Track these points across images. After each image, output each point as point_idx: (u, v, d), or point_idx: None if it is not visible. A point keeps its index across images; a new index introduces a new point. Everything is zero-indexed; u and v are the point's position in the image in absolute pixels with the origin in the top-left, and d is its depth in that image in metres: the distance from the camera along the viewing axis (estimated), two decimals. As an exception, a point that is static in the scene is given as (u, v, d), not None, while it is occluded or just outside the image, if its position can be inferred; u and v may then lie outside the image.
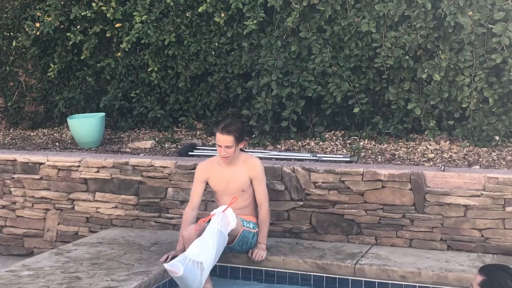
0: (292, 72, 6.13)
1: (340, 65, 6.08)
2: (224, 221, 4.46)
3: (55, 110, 7.42)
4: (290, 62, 6.16)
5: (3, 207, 6.18)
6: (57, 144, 6.87)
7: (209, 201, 5.49)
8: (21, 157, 6.08)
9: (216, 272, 4.99)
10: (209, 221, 4.50)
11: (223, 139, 4.67)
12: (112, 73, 7.14)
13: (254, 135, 6.23)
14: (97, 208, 5.86)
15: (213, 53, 6.70)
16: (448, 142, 5.82)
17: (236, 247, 4.75)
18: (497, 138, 5.63)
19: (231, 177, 4.80)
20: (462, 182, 4.87)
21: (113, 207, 5.82)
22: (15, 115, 7.75)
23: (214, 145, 6.32)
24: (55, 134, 7.33)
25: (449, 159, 5.44)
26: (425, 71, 5.74)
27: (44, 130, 7.52)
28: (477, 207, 4.84)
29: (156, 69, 6.86)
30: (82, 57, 7.17)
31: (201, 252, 4.25)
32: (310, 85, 6.05)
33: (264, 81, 6.09)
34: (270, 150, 5.99)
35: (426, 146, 5.79)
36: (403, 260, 4.72)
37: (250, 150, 5.94)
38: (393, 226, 5.08)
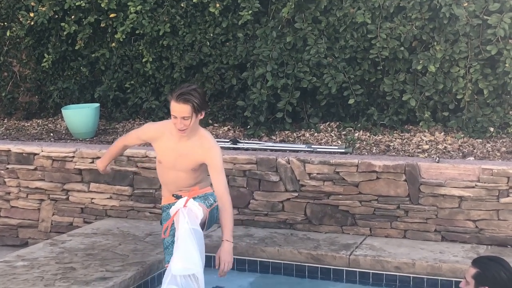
0: (287, 63, 6.12)
1: (335, 56, 6.08)
2: (192, 216, 3.89)
3: (50, 101, 7.39)
4: (285, 53, 6.15)
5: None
6: (51, 134, 6.85)
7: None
8: (16, 147, 6.06)
9: (211, 263, 4.99)
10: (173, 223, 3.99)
11: (179, 109, 3.98)
12: (106, 63, 7.11)
13: (249, 126, 6.23)
14: (92, 198, 5.86)
15: (208, 43, 6.67)
16: (442, 134, 5.83)
17: (204, 232, 4.19)
18: (491, 129, 5.64)
19: (182, 151, 4.16)
20: (457, 174, 4.88)
21: (107, 198, 5.81)
22: (9, 106, 7.72)
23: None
24: (50, 125, 7.30)
25: (444, 151, 5.45)
26: (420, 62, 5.74)
27: (39, 121, 7.49)
28: (472, 198, 4.86)
29: (150, 59, 6.84)
30: (76, 48, 7.14)
31: (187, 264, 3.75)
32: (305, 76, 6.05)
33: (259, 72, 6.08)
34: (265, 141, 5.99)
35: (420, 138, 5.79)
36: (397, 251, 4.74)
37: (245, 141, 5.95)
38: (387, 217, 5.09)
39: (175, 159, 4.18)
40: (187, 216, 3.84)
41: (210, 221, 4.21)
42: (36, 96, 7.68)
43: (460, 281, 3.49)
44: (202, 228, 4.04)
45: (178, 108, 3.97)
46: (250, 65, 6.37)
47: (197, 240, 3.83)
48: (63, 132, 6.91)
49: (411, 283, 4.51)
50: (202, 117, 4.10)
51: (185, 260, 3.73)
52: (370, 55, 5.95)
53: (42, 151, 5.95)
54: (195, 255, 3.76)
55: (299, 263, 4.80)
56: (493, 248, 4.76)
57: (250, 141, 5.97)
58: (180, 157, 4.15)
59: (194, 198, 4.02)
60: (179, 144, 4.16)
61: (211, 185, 4.24)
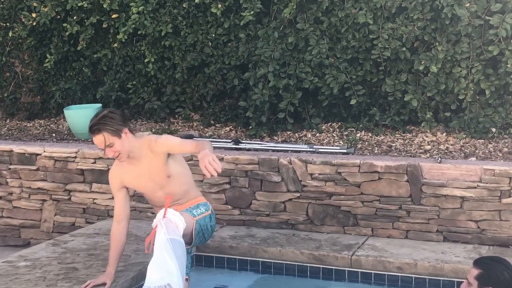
0: (289, 64, 6.12)
1: (337, 57, 6.08)
2: (170, 226, 3.71)
3: (52, 101, 7.40)
4: (287, 54, 6.15)
5: (0, 198, 6.17)
6: (53, 135, 6.86)
7: (207, 192, 5.50)
8: (18, 147, 6.07)
9: (213, 263, 5.01)
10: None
11: (97, 141, 3.90)
12: (108, 64, 7.12)
13: (251, 127, 6.23)
14: (94, 199, 5.87)
15: (210, 44, 6.68)
16: (444, 134, 5.83)
17: (198, 242, 4.14)
18: (493, 130, 5.64)
19: (145, 170, 4.05)
20: (459, 174, 4.88)
21: (109, 198, 5.81)
22: (11, 106, 7.73)
23: (210, 136, 6.33)
24: (52, 125, 7.31)
25: (446, 151, 5.45)
26: (422, 62, 5.74)
27: (41, 121, 7.50)
28: (474, 199, 4.86)
29: (152, 60, 6.84)
30: (78, 48, 7.15)
31: (161, 273, 3.59)
32: (307, 77, 6.05)
33: (261, 73, 6.09)
34: (267, 142, 5.99)
35: (422, 138, 5.79)
36: (399, 252, 4.74)
37: (247, 142, 5.95)
38: (389, 218, 5.09)
39: (148, 181, 4.08)
40: (164, 226, 3.68)
41: (200, 233, 4.02)
42: (38, 97, 7.69)
43: (462, 282, 3.49)
44: (191, 241, 3.94)
45: (96, 141, 3.91)
46: (252, 66, 6.37)
47: (175, 250, 3.65)
48: (65, 132, 6.92)
49: (413, 283, 4.51)
50: (127, 135, 3.91)
51: (160, 270, 3.60)
52: (372, 55, 5.96)
53: (44, 151, 5.96)
54: (170, 264, 3.60)
55: (301, 264, 4.80)
56: (495, 248, 4.76)
57: (252, 142, 5.97)
58: (150, 175, 4.04)
59: (184, 210, 3.95)
60: (137, 167, 4.05)
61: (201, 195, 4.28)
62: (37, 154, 5.97)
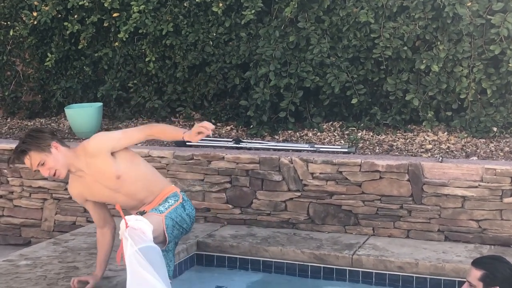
0: (290, 63, 6.12)
1: (338, 56, 6.07)
2: (136, 234, 3.35)
3: (53, 100, 7.39)
4: (288, 53, 6.14)
5: (1, 196, 6.17)
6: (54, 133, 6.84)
7: (207, 191, 5.50)
8: (19, 147, 6.06)
9: (214, 263, 5.01)
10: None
11: (28, 163, 3.66)
12: (109, 62, 7.11)
13: (252, 126, 6.22)
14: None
15: (211, 43, 6.67)
16: (446, 133, 5.82)
17: (177, 235, 3.78)
18: (495, 129, 5.63)
19: (94, 177, 3.77)
20: (460, 173, 4.87)
21: (110, 197, 5.80)
22: (12, 105, 7.73)
23: (212, 135, 6.31)
24: (53, 124, 7.31)
25: (447, 150, 5.44)
26: (424, 62, 5.73)
27: (42, 120, 7.50)
28: (475, 198, 4.85)
29: (153, 59, 6.83)
30: (79, 47, 7.14)
31: None
32: (308, 76, 6.04)
33: (262, 72, 6.08)
34: (268, 141, 5.98)
35: (424, 137, 5.79)
36: (400, 251, 4.73)
37: (248, 141, 5.94)
38: (390, 217, 5.08)
39: (100, 188, 3.79)
40: (129, 238, 3.32)
41: (173, 227, 3.70)
42: (39, 95, 7.69)
43: (463, 281, 3.46)
44: (163, 238, 3.60)
45: (26, 163, 3.66)
46: (253, 65, 6.36)
47: (150, 260, 3.32)
48: (66, 131, 6.92)
49: (414, 283, 4.51)
50: (58, 148, 3.66)
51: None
52: (373, 54, 5.95)
53: (45, 150, 5.95)
54: (149, 279, 3.28)
55: (302, 263, 4.80)
56: (496, 248, 4.75)
57: (253, 141, 5.97)
58: (99, 181, 3.73)
59: (151, 210, 3.69)
60: (85, 179, 3.80)
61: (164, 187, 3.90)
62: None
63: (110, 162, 3.72)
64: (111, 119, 7.15)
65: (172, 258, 3.86)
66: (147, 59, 6.86)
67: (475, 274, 3.33)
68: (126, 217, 3.35)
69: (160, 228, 3.56)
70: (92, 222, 5.72)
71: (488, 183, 4.80)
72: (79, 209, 5.93)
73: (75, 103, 7.12)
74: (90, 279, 3.99)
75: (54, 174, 3.68)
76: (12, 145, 6.09)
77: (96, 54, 7.13)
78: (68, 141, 6.42)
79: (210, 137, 4.16)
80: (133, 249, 3.29)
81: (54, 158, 3.65)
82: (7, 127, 7.36)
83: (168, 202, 3.76)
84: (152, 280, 3.27)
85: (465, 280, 3.45)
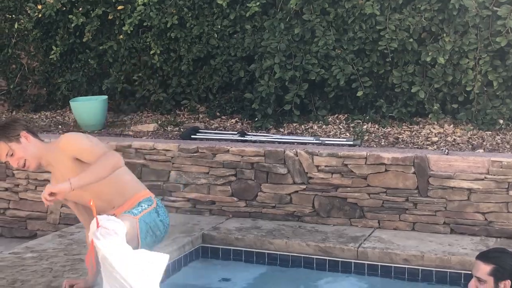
0: (295, 55, 6.09)
1: (344, 48, 6.05)
2: (108, 235, 3.10)
3: (58, 93, 7.40)
4: (293, 45, 6.12)
5: (6, 189, 6.19)
6: (59, 126, 6.86)
7: (212, 184, 5.50)
8: (24, 139, 6.07)
9: (219, 255, 5.00)
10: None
11: None
12: (114, 55, 7.10)
13: (256, 119, 6.21)
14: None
15: (216, 35, 6.65)
16: (452, 126, 5.80)
17: (150, 242, 3.55)
18: (501, 121, 5.60)
19: (61, 173, 3.57)
20: (466, 166, 4.86)
21: (116, 190, 5.81)
22: (17, 98, 7.74)
23: (216, 128, 6.32)
24: (58, 117, 7.32)
25: (453, 143, 5.42)
26: (430, 54, 5.71)
27: (47, 113, 7.51)
28: (481, 191, 4.83)
29: (158, 52, 6.82)
30: (84, 40, 7.14)
31: None
32: (313, 68, 6.02)
33: (267, 64, 6.06)
34: (273, 134, 5.97)
35: (429, 130, 5.76)
36: (406, 244, 4.72)
37: (253, 134, 5.94)
38: (396, 210, 5.07)
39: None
40: (101, 237, 3.08)
41: (150, 229, 3.52)
42: (44, 89, 7.70)
43: (469, 273, 3.43)
44: (136, 242, 3.39)
45: None
46: (258, 57, 6.34)
47: (120, 259, 3.08)
48: (72, 124, 6.92)
49: (420, 275, 4.50)
50: (28, 138, 3.52)
51: None
52: (379, 46, 5.92)
53: (50, 143, 5.95)
54: (119, 279, 3.07)
55: (307, 256, 4.79)
56: (502, 240, 4.73)
57: (258, 134, 5.96)
58: (66, 179, 3.38)
59: (124, 212, 3.50)
60: (55, 175, 3.63)
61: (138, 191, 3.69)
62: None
63: (75, 161, 3.52)
64: (116, 112, 7.15)
65: None
66: (151, 52, 6.85)
67: (484, 269, 3.26)
68: (98, 216, 3.13)
69: (134, 231, 3.36)
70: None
71: (494, 175, 4.78)
72: (85, 202, 5.93)
73: (80, 96, 7.12)
74: (81, 283, 3.84)
75: (24, 165, 3.55)
76: (17, 138, 6.11)
77: (101, 47, 7.12)
78: (73, 134, 6.42)
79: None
80: (107, 252, 3.05)
81: (24, 148, 3.52)
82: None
83: (141, 206, 3.57)
84: (123, 283, 3.06)
85: (470, 272, 3.41)
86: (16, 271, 4.25)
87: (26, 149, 3.53)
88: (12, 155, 3.52)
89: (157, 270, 3.15)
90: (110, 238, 3.08)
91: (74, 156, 3.52)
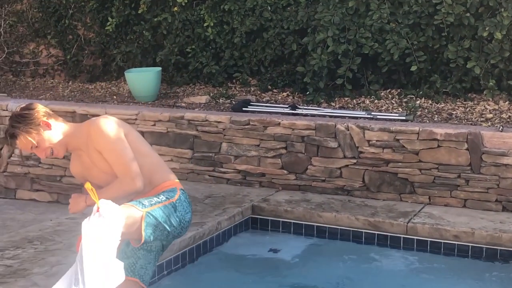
0: (349, 29, 6.05)
1: (399, 22, 5.97)
2: (101, 225, 2.90)
3: (113, 64, 7.55)
4: (347, 18, 6.07)
5: (64, 157, 6.34)
6: (114, 97, 7.00)
7: (263, 156, 5.54)
8: (80, 109, 6.23)
9: (268, 226, 5.07)
10: None
11: (20, 147, 3.31)
12: (168, 28, 7.18)
13: (308, 92, 6.20)
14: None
15: (269, 8, 6.65)
16: (507, 103, 5.68)
17: (157, 238, 3.25)
18: (559, 99, 5.47)
19: (91, 158, 3.35)
20: (521, 143, 4.78)
21: (169, 160, 5.91)
22: (73, 68, 7.92)
23: (267, 101, 6.35)
24: (113, 88, 7.46)
25: (508, 120, 5.32)
26: (486, 29, 5.58)
27: (102, 84, 7.66)
28: (535, 169, 4.75)
29: (212, 24, 6.87)
30: (139, 12, 7.23)
31: None
32: (367, 42, 5.97)
33: (320, 38, 6.03)
34: (324, 108, 5.96)
35: (484, 106, 5.66)
36: (456, 220, 4.69)
37: (304, 107, 5.94)
38: (447, 186, 5.02)
39: (98, 172, 3.35)
40: (91, 225, 2.90)
41: (159, 224, 3.23)
42: (100, 59, 7.85)
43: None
44: (138, 235, 3.15)
45: (20, 147, 3.31)
46: (311, 30, 6.32)
47: (101, 254, 2.88)
48: (126, 95, 7.06)
49: (470, 252, 4.47)
50: (49, 125, 3.26)
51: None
52: (434, 21, 5.82)
53: (106, 113, 6.09)
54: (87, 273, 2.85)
55: (356, 229, 4.80)
56: (556, 220, 4.65)
57: (309, 107, 5.96)
58: (98, 165, 3.31)
59: (134, 201, 3.23)
60: (83, 158, 3.38)
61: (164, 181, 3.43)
62: (99, 116, 6.10)
63: (99, 154, 3.29)
64: (169, 84, 7.25)
65: (152, 260, 3.34)
66: (205, 24, 6.90)
67: None
68: (101, 201, 2.97)
69: (137, 225, 3.13)
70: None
71: (550, 153, 4.70)
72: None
73: (135, 67, 7.24)
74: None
75: (52, 154, 3.32)
76: (74, 107, 6.28)
77: (155, 19, 7.21)
78: (128, 104, 6.56)
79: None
80: (87, 237, 2.88)
81: (47, 138, 3.27)
82: (68, 90, 7.55)
83: (159, 198, 3.30)
84: (79, 276, 2.87)
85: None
86: (72, 236, 4.39)
87: (50, 138, 3.27)
88: (37, 146, 3.26)
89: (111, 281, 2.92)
90: (99, 227, 2.89)
91: (98, 150, 3.27)
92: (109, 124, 3.28)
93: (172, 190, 3.37)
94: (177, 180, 3.47)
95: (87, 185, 3.01)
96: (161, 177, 3.42)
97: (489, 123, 5.25)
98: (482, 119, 5.38)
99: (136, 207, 3.15)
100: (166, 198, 3.30)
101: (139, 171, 3.25)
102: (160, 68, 6.87)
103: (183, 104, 6.45)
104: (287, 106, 6.00)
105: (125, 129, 3.34)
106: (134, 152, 3.30)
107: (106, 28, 7.36)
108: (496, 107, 5.63)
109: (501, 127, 4.97)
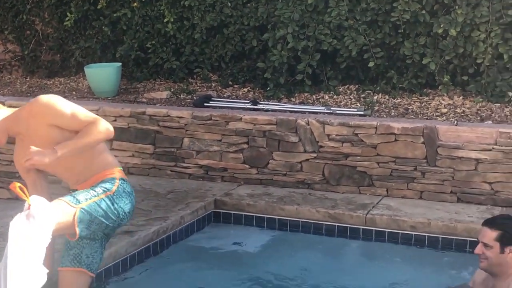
0: (308, 25, 6.14)
1: (357, 19, 6.09)
2: (30, 223, 2.82)
3: (72, 60, 7.49)
4: (306, 15, 6.17)
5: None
6: (73, 93, 6.96)
7: (225, 151, 5.60)
8: (40, 105, 6.17)
9: (231, 220, 5.14)
10: None
11: None
12: (128, 23, 7.15)
13: (268, 88, 6.28)
14: (115, 156, 5.92)
15: (229, 4, 6.70)
16: (461, 97, 5.87)
17: (95, 231, 3.23)
18: (510, 94, 5.66)
19: (31, 140, 3.18)
20: (474, 137, 4.94)
21: (130, 156, 5.93)
22: (31, 64, 7.83)
23: (228, 97, 6.41)
24: (72, 83, 7.41)
25: (462, 114, 5.50)
26: (441, 26, 5.75)
27: (61, 79, 7.60)
28: (488, 161, 4.92)
29: (172, 20, 6.87)
30: (98, 7, 7.19)
31: None
32: (326, 39, 6.07)
33: (280, 34, 6.12)
34: (285, 103, 6.06)
35: (439, 101, 5.84)
36: (413, 211, 4.84)
37: (265, 103, 6.02)
38: (404, 179, 5.17)
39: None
40: (20, 223, 2.81)
41: (96, 218, 3.16)
42: (58, 55, 7.79)
43: (475, 241, 3.51)
44: (72, 230, 3.09)
45: None
46: (271, 27, 6.40)
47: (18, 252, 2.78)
48: (85, 90, 7.02)
49: (426, 242, 4.62)
50: None
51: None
52: (391, 18, 5.96)
53: (66, 108, 6.06)
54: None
55: (317, 222, 4.91)
56: (507, 209, 4.81)
57: (269, 103, 6.04)
58: (39, 146, 3.10)
59: (68, 196, 3.14)
60: (23, 143, 3.24)
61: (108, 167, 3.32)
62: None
63: (53, 128, 3.18)
64: (129, 80, 7.24)
65: (98, 248, 3.32)
66: (165, 20, 6.91)
67: (491, 235, 3.34)
68: (32, 197, 2.88)
69: (69, 221, 3.06)
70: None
71: (502, 146, 4.87)
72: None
73: (94, 63, 7.20)
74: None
75: None
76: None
77: (115, 14, 7.17)
78: (88, 100, 6.53)
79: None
80: (12, 234, 2.80)
81: None
82: (26, 85, 7.47)
83: (95, 191, 3.19)
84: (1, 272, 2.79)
85: (476, 239, 3.51)
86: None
87: None
88: None
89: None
90: (28, 227, 2.80)
91: (52, 123, 3.14)
92: (52, 96, 3.22)
93: (110, 181, 3.26)
94: (119, 168, 3.37)
95: (13, 185, 2.83)
96: (101, 165, 3.30)
97: (444, 118, 5.41)
98: (437, 113, 5.55)
99: (69, 203, 3.08)
100: (103, 190, 3.20)
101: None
102: (120, 64, 6.86)
103: (144, 100, 6.46)
104: (248, 101, 6.07)
105: (75, 105, 3.24)
106: (73, 135, 3.16)
107: (65, 23, 7.29)
108: (451, 102, 5.81)
109: (455, 121, 5.14)
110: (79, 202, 3.11)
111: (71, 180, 3.33)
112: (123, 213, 3.27)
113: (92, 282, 3.41)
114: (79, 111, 3.18)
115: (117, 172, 3.33)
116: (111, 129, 3.21)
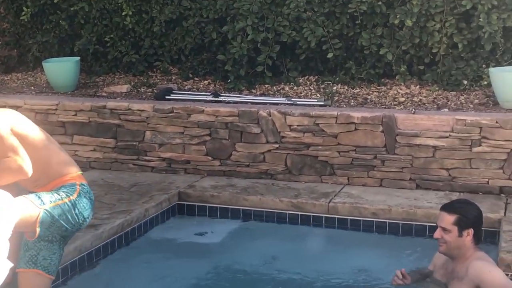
0: (267, 17, 6.19)
1: (315, 10, 6.17)
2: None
3: (29, 54, 7.39)
4: (265, 7, 6.21)
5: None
6: (32, 88, 6.88)
7: (187, 143, 5.62)
8: (-2, 100, 6.10)
9: (195, 212, 5.17)
10: None
11: None
12: (86, 17, 7.09)
13: (229, 80, 6.31)
14: (75, 151, 5.92)
15: (188, -3, 6.70)
16: (418, 86, 6.00)
17: (53, 232, 3.24)
18: (465, 82, 5.81)
19: None
20: (432, 124, 5.07)
21: (91, 150, 5.90)
22: (-13, 59, 7.70)
23: (189, 90, 6.42)
24: (30, 78, 7.31)
25: (419, 103, 5.62)
26: (397, 16, 5.86)
27: (18, 74, 7.49)
28: (445, 148, 5.06)
29: (130, 13, 6.84)
30: (55, 1, 7.10)
31: None
32: (285, 30, 6.14)
33: (240, 26, 6.16)
34: (246, 95, 6.10)
35: (397, 91, 5.96)
36: (374, 199, 4.94)
37: (226, 95, 6.06)
38: (364, 167, 5.27)
39: None
40: None
41: (57, 221, 3.20)
42: (15, 50, 7.67)
43: (434, 225, 3.61)
44: (33, 230, 3.16)
45: None
46: (230, 19, 6.42)
47: None
48: (44, 85, 6.94)
49: (387, 228, 4.74)
50: None
51: None
52: (348, 9, 6.05)
53: (25, 103, 6.00)
54: None
55: (280, 211, 4.99)
56: (465, 195, 4.95)
57: (231, 95, 6.08)
58: None
59: (35, 195, 3.20)
60: None
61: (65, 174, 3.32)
62: (18, 107, 5.96)
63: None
64: (88, 74, 7.18)
65: (56, 250, 3.31)
66: (123, 13, 6.87)
67: (448, 219, 3.46)
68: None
69: (32, 220, 3.13)
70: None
71: (458, 133, 5.01)
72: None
73: (52, 57, 7.12)
74: None
75: None
76: (-9, 99, 6.13)
77: (72, 8, 7.10)
78: (47, 95, 6.46)
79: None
80: None
81: None
82: (-17, 81, 7.34)
83: (59, 195, 3.24)
84: None
85: (435, 224, 3.61)
86: None
87: None
88: None
89: None
90: None
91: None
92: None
93: (71, 186, 3.30)
94: (79, 173, 3.39)
95: None
96: (59, 170, 3.31)
97: (402, 106, 5.53)
98: (395, 102, 5.67)
99: (34, 202, 3.13)
100: (66, 195, 3.25)
101: (27, 157, 3.09)
102: (78, 58, 6.80)
103: (104, 94, 6.42)
104: (210, 93, 6.10)
105: (14, 122, 3.18)
106: (25, 145, 3.13)
107: (21, 18, 7.18)
108: (408, 91, 5.93)
109: (413, 110, 5.26)
110: (43, 204, 3.16)
111: (29, 186, 3.31)
112: (83, 218, 3.32)
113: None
114: (7, 137, 3.09)
115: (77, 178, 3.36)
116: (26, 169, 3.10)
